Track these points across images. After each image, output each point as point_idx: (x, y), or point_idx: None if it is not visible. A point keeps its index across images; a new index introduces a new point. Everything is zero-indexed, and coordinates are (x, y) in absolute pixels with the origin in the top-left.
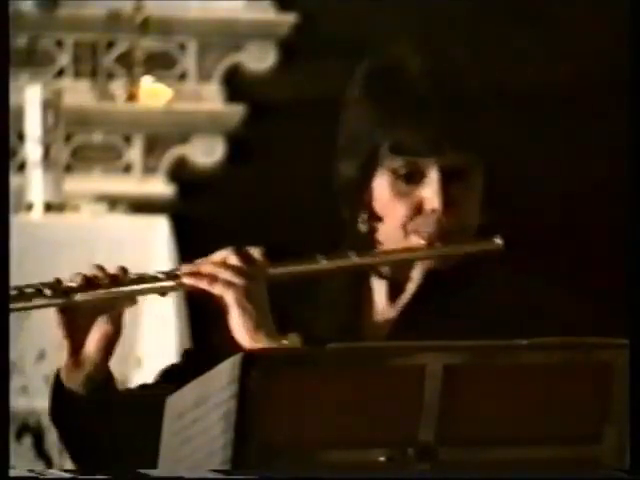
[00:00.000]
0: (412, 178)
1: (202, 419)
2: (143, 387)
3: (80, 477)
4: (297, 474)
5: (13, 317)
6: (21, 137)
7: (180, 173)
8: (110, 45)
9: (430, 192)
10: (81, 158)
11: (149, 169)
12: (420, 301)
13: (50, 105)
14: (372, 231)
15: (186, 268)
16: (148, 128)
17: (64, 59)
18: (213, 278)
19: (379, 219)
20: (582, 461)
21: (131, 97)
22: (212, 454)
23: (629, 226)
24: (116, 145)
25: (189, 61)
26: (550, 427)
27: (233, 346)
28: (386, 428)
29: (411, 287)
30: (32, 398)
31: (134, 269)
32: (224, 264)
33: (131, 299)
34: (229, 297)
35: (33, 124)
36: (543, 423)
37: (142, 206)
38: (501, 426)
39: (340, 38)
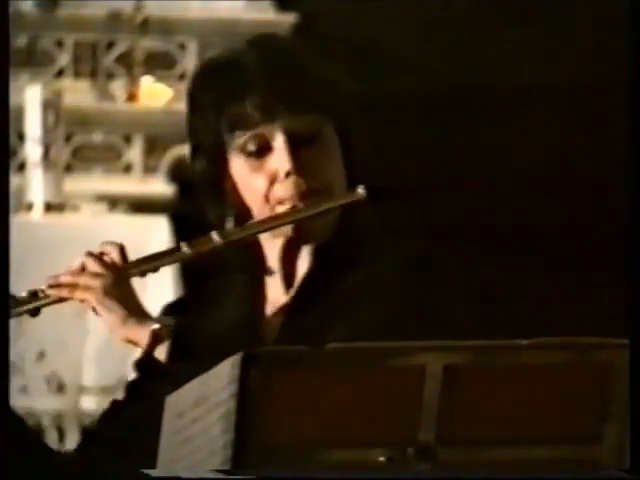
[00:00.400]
0: (262, 151)
1: (202, 419)
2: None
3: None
4: (297, 474)
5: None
6: (21, 137)
7: (180, 173)
8: (110, 45)
9: (279, 157)
10: (81, 158)
11: (149, 169)
12: (310, 285)
13: (50, 105)
14: (240, 213)
15: (48, 281)
16: (148, 128)
17: (64, 59)
18: (73, 286)
19: (242, 198)
20: (582, 461)
21: (131, 97)
22: (212, 454)
23: (629, 226)
24: (116, 145)
25: (189, 61)
26: (550, 427)
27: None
28: (386, 428)
29: (300, 273)
30: (32, 398)
31: None
32: (81, 271)
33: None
34: (92, 300)
35: (33, 124)
36: (543, 423)
37: (142, 206)
38: (501, 426)
39: (340, 38)
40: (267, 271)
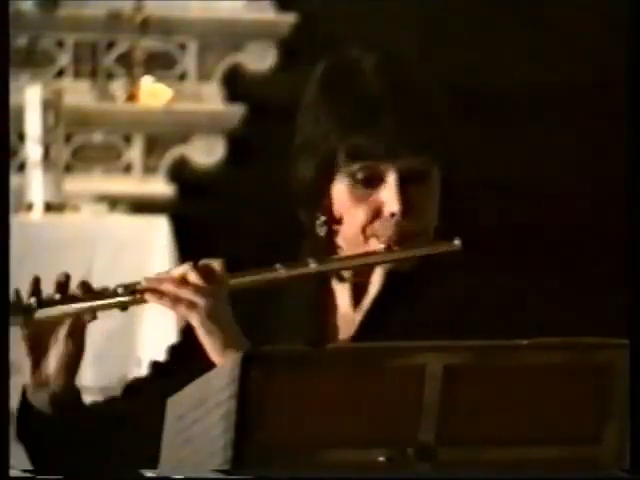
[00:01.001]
0: (370, 182)
1: (202, 419)
2: (109, 401)
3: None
4: (297, 474)
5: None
6: (21, 137)
7: (180, 173)
8: (110, 45)
9: (388, 196)
10: (81, 158)
11: (149, 169)
12: (383, 303)
13: (50, 105)
14: (331, 234)
15: (147, 282)
16: (148, 128)
17: (64, 59)
18: (175, 299)
19: (338, 222)
20: (582, 461)
21: (131, 97)
22: (212, 454)
23: (629, 226)
24: (116, 145)
25: (189, 61)
26: (550, 427)
27: (199, 360)
28: (386, 428)
29: (373, 290)
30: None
31: (134, 269)
32: (184, 281)
33: (91, 314)
34: (194, 320)
35: (33, 124)
36: (543, 423)
37: (142, 206)
38: (501, 426)
39: (340, 38)
40: (338, 277)
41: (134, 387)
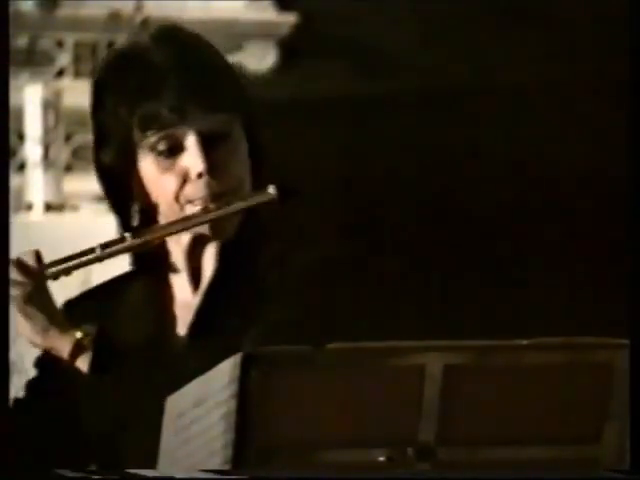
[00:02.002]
0: (172, 151)
1: (202, 419)
2: (16, 401)
3: (79, 476)
4: (297, 474)
5: (13, 317)
6: (21, 137)
7: None
8: (110, 45)
9: (191, 158)
10: (81, 158)
11: None
12: (218, 284)
13: (50, 105)
14: (149, 221)
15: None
16: None
17: (64, 59)
18: None
19: (153, 202)
20: (582, 461)
21: None
22: (212, 454)
23: (629, 226)
24: None
25: None
26: (550, 427)
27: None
28: (386, 428)
29: (207, 273)
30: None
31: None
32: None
33: None
34: (15, 310)
35: (33, 124)
36: (543, 423)
37: None
38: (501, 426)
39: (340, 38)
40: (172, 269)
41: (33, 385)
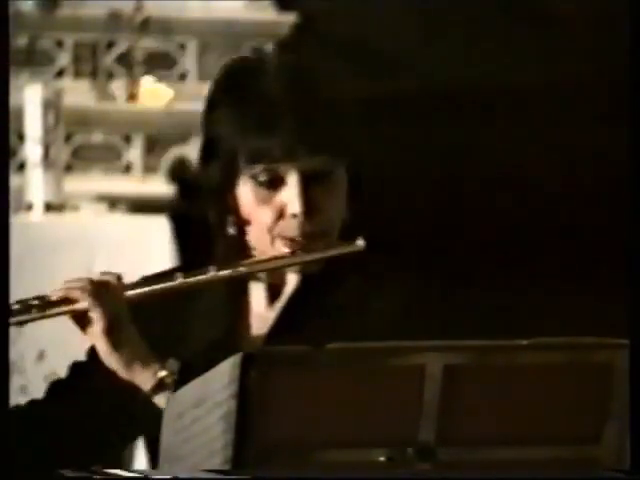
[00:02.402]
0: (273, 184)
1: (202, 419)
2: (32, 403)
3: (79, 476)
4: (297, 474)
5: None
6: (21, 137)
7: (180, 173)
8: (110, 45)
9: (290, 197)
10: (81, 158)
11: (149, 169)
12: (296, 303)
13: (50, 105)
14: (241, 234)
15: (54, 294)
16: (148, 128)
17: (64, 59)
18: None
19: (246, 222)
20: (582, 461)
21: (131, 97)
22: (212, 454)
23: (629, 226)
24: (116, 145)
25: (189, 61)
26: (550, 427)
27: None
28: (386, 428)
29: (288, 289)
30: (32, 398)
31: (134, 269)
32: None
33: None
34: (93, 339)
35: (33, 124)
36: (543, 423)
37: (142, 206)
38: (501, 426)
39: (340, 38)
40: (254, 278)
41: (56, 389)
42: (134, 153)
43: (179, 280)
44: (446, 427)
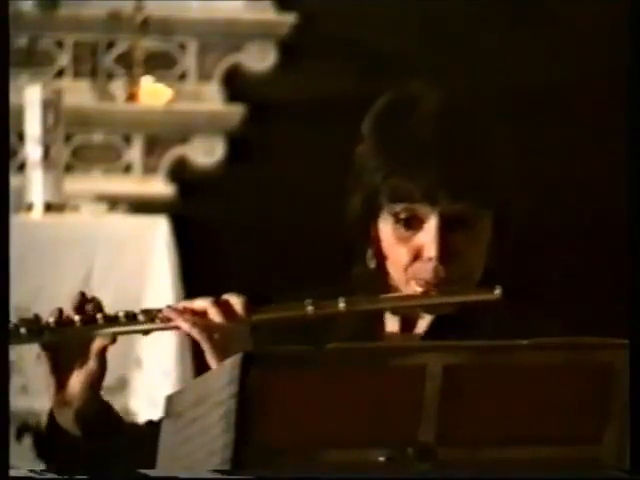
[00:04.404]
0: (412, 223)
1: (202, 419)
2: (150, 423)
3: (79, 477)
4: (297, 474)
5: (13, 317)
6: (21, 137)
7: (180, 173)
8: (110, 45)
9: (427, 240)
10: (81, 158)
11: (149, 169)
12: (430, 338)
13: (50, 105)
14: (380, 267)
15: (167, 312)
16: (148, 128)
17: (64, 59)
18: (193, 331)
19: (385, 258)
20: (582, 461)
21: (131, 97)
22: (212, 454)
23: (629, 226)
24: (116, 145)
25: (189, 61)
26: (550, 427)
27: None
28: (386, 428)
29: (422, 325)
30: (32, 398)
31: (134, 269)
32: (204, 315)
33: (112, 338)
34: (208, 356)
35: (33, 124)
36: (543, 423)
37: (142, 206)
38: (501, 426)
39: (340, 38)
40: (391, 310)
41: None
42: (134, 153)
43: (309, 309)
44: (446, 427)
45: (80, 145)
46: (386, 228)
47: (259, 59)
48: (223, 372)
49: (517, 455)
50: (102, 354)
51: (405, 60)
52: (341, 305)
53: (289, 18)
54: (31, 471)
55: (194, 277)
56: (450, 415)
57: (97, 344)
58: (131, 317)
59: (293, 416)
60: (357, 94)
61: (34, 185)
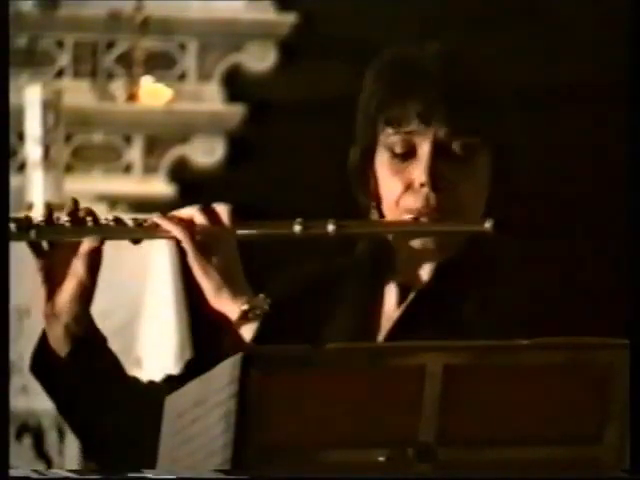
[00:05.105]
0: (406, 156)
1: (202, 419)
2: (150, 382)
3: (79, 477)
4: (297, 474)
5: (13, 317)
6: (21, 137)
7: (180, 173)
8: (110, 45)
9: (419, 166)
10: (81, 158)
11: (149, 169)
12: (422, 302)
13: (50, 105)
14: (380, 215)
15: (155, 219)
16: (148, 128)
17: (64, 59)
18: (177, 233)
19: (381, 199)
20: (582, 461)
21: (131, 97)
22: (212, 454)
23: (629, 226)
24: (116, 145)
25: (189, 61)
26: (550, 427)
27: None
28: (386, 428)
29: (416, 287)
30: (32, 398)
31: (134, 269)
32: (190, 221)
33: (100, 241)
34: (189, 255)
35: (33, 124)
36: (543, 423)
37: (142, 206)
38: (501, 426)
39: (340, 38)
40: (391, 279)
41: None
42: (134, 153)
43: (296, 227)
44: (446, 427)
45: (80, 145)
46: (381, 164)
47: (259, 59)
48: (223, 372)
49: (517, 455)
50: (91, 261)
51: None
52: (330, 227)
53: (289, 18)
54: (30, 471)
55: (194, 277)
56: (450, 415)
57: (85, 245)
58: (121, 222)
59: (293, 416)
60: (357, 94)
61: (34, 185)
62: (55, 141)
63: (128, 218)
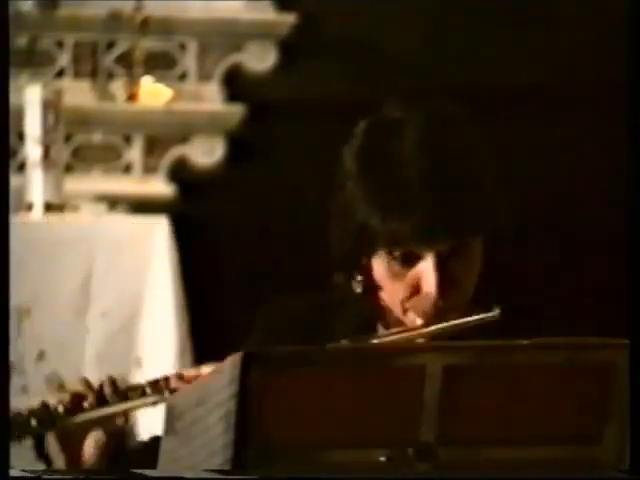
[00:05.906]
0: (408, 260)
1: (202, 419)
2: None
3: (80, 478)
4: (297, 474)
5: (13, 317)
6: (21, 137)
7: (180, 173)
8: (110, 45)
9: (425, 276)
10: (81, 158)
11: (149, 169)
12: None
13: (50, 105)
14: (368, 292)
15: (173, 380)
16: (148, 128)
17: (64, 59)
18: None
19: (378, 288)
20: (582, 461)
21: (131, 97)
22: (212, 454)
23: (629, 226)
24: (116, 145)
25: (189, 61)
26: (550, 427)
27: None
28: (386, 428)
29: None
30: (32, 398)
31: (134, 269)
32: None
33: (124, 417)
34: None
35: (33, 124)
36: (543, 423)
37: (142, 206)
38: (501, 426)
39: (340, 38)
40: (385, 325)
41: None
42: (134, 153)
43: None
44: (446, 427)
45: (80, 145)
46: (379, 264)
47: (259, 59)
48: (223, 373)
49: (517, 455)
50: (113, 427)
51: (405, 60)
52: (343, 343)
53: (289, 18)
54: (30, 471)
55: (194, 277)
56: (450, 415)
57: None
58: (140, 392)
59: (293, 416)
60: (357, 94)
61: (34, 185)
62: (55, 141)
63: (146, 383)
